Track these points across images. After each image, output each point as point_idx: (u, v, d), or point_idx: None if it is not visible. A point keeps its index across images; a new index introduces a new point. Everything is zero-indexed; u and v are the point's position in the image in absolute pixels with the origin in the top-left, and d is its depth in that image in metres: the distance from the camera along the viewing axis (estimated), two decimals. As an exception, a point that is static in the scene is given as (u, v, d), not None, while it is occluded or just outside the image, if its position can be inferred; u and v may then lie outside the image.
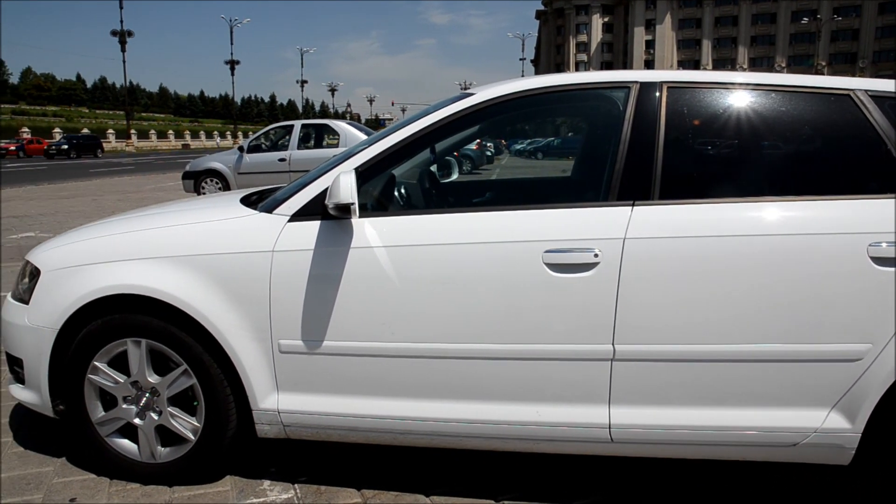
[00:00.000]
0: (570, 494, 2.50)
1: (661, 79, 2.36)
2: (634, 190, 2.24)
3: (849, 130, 2.26)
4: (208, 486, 2.56)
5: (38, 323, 2.52)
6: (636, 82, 2.36)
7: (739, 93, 2.34)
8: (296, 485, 2.58)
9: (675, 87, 2.34)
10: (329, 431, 2.42)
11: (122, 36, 54.99)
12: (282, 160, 12.06)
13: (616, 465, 2.69)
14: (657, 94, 2.32)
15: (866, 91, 2.27)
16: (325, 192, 2.34)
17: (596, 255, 2.16)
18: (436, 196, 3.25)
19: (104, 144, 55.51)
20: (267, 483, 2.59)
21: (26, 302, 2.59)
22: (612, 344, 2.18)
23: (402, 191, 2.80)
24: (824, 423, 2.15)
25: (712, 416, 2.19)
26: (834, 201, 2.16)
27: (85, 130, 57.89)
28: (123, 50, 54.95)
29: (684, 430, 2.20)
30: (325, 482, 2.59)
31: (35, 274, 2.60)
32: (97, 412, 2.57)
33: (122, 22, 54.57)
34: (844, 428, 2.14)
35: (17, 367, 2.67)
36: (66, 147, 42.12)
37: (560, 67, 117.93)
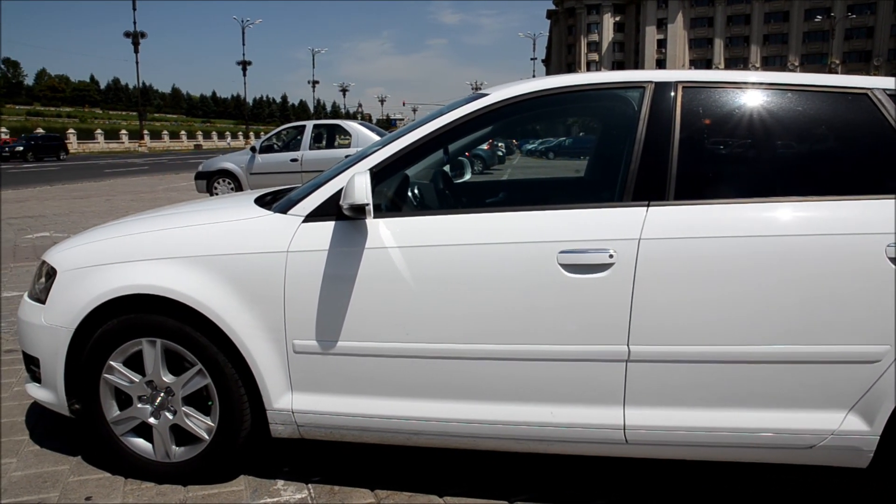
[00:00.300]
0: (584, 496, 2.49)
1: (676, 78, 2.34)
2: (649, 190, 2.22)
3: (866, 130, 2.24)
4: (222, 485, 2.57)
5: (54, 322, 2.54)
6: (651, 82, 2.35)
7: (755, 92, 2.32)
8: (309, 485, 2.58)
9: (690, 87, 2.32)
10: (343, 431, 2.43)
11: (136, 37, 55.42)
12: (294, 160, 12.09)
13: (630, 466, 2.68)
14: (672, 93, 2.31)
15: (884, 90, 2.25)
16: (339, 192, 2.35)
17: (611, 256, 2.15)
18: (450, 196, 3.24)
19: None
20: (281, 483, 2.59)
21: (43, 301, 2.61)
22: (627, 345, 2.17)
23: (416, 191, 2.80)
24: (842, 426, 2.13)
25: (728, 418, 2.18)
26: (851, 201, 2.14)
27: (105, 129, 57.62)
28: (136, 51, 55.39)
29: (699, 432, 2.19)
30: (339, 482, 2.60)
31: (51, 274, 2.63)
32: (112, 411, 2.59)
33: (135, 23, 55.09)
34: (862, 430, 2.12)
35: (33, 366, 2.69)
36: (20, 149, 35.96)
37: (571, 67, 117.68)
